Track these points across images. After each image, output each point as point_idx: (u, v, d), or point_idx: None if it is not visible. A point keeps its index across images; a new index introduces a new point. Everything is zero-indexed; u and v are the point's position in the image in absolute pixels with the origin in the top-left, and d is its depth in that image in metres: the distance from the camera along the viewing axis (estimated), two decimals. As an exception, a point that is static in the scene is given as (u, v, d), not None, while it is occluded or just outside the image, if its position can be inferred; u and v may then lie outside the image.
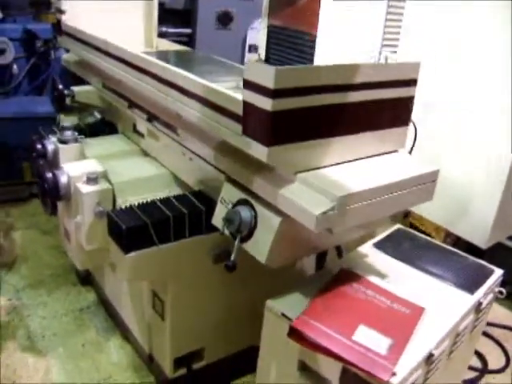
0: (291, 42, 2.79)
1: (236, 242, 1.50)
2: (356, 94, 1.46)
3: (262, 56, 3.01)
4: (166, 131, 2.04)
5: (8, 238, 3.28)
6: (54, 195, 1.97)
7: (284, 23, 2.84)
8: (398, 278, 1.67)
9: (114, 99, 2.46)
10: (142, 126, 2.28)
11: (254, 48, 4.37)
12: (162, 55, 2.51)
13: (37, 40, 3.90)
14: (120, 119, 2.49)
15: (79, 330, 2.61)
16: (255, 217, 1.50)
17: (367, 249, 1.86)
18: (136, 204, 1.78)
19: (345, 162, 1.53)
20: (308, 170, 1.44)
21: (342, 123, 1.47)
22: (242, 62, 4.40)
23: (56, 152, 2.25)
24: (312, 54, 2.63)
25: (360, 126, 1.52)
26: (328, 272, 1.65)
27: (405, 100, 1.62)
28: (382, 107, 1.55)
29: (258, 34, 4.31)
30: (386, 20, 2.16)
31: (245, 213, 1.51)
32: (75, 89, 2.62)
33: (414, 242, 1.99)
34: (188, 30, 4.27)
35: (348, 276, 1.63)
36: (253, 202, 1.51)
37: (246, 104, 1.38)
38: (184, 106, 1.70)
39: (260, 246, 1.47)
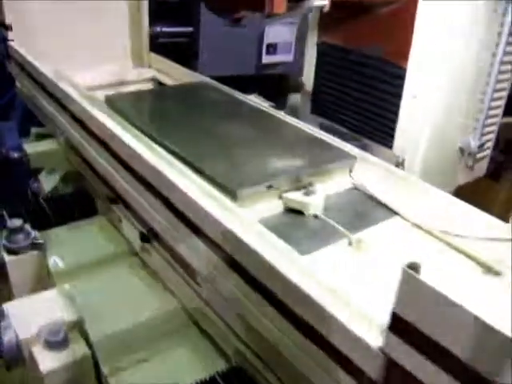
0: (363, 73, 1.93)
1: None
2: None
3: (308, 84, 2.14)
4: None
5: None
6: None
7: (347, 43, 1.97)
8: None
9: (77, 163, 1.61)
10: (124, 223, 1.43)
11: (272, 48, 3.47)
12: (147, 101, 1.62)
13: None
14: (97, 193, 1.63)
15: None
16: None
17: None
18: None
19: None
20: None
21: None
22: (258, 68, 3.53)
23: (3, 266, 1.42)
24: (399, 96, 1.79)
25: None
26: None
27: None
28: None
29: (277, 31, 3.47)
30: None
31: None
32: (29, 148, 1.74)
33: None
34: (189, 29, 3.35)
35: None
36: None
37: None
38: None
39: None
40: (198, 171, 1.09)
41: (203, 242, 1.00)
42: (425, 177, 1.36)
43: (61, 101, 1.59)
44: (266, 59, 3.59)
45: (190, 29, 3.44)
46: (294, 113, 1.83)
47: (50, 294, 1.30)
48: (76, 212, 1.67)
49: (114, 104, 1.45)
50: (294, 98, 2.86)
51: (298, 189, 1.11)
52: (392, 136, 1.93)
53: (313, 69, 2.18)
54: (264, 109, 1.54)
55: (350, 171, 1.23)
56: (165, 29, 3.39)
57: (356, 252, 1.01)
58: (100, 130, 1.33)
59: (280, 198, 1.10)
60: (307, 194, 1.09)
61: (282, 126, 1.41)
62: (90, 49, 1.86)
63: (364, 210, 1.15)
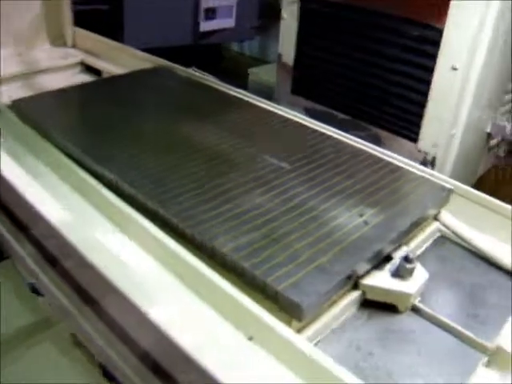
0: (373, 38, 1.43)
1: None
2: None
3: (286, 55, 1.59)
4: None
5: None
6: None
7: None
8: None
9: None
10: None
11: (211, 13, 2.91)
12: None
13: None
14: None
15: None
16: None
17: None
18: None
19: None
20: None
21: None
22: (195, 37, 2.97)
23: None
24: (430, 68, 1.32)
25: None
26: None
27: None
28: None
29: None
30: None
31: None
32: None
33: None
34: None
35: None
36: None
37: None
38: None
39: None
40: (205, 253, 0.59)
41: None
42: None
43: None
44: (205, 26, 3.04)
45: (109, -7, 2.79)
46: (265, 94, 1.29)
47: None
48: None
49: (26, 114, 0.90)
50: (257, 74, 2.31)
51: (376, 264, 0.64)
52: (416, 124, 1.40)
53: (292, 35, 1.63)
54: (262, 105, 1.04)
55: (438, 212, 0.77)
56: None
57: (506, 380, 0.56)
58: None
59: (353, 286, 0.62)
60: (400, 273, 0.62)
61: (314, 137, 0.91)
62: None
63: (473, 279, 0.70)
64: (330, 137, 0.92)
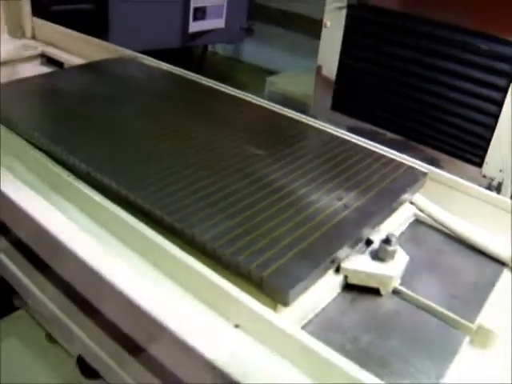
0: (434, 53, 1.31)
1: None
2: None
3: (327, 67, 1.49)
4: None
5: None
6: None
7: (408, 5, 1.33)
8: None
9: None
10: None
11: (201, 13, 2.75)
12: None
13: None
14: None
15: None
16: None
17: None
18: None
19: None
20: None
21: None
22: (185, 39, 2.78)
23: None
24: (501, 88, 1.24)
25: None
26: None
27: None
28: None
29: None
30: None
31: None
32: None
33: None
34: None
35: None
36: None
37: None
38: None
39: None
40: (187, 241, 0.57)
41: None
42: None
43: None
44: (194, 27, 2.83)
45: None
46: (287, 106, 1.14)
47: None
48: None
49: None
50: (275, 84, 2.14)
51: (356, 247, 0.64)
52: (479, 146, 1.31)
53: (336, 45, 1.50)
54: (232, 93, 1.03)
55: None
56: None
57: (487, 357, 0.57)
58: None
59: (335, 269, 0.62)
60: (381, 256, 0.62)
61: (305, 132, 0.90)
62: None
63: (450, 261, 0.71)
64: (303, 123, 0.92)
